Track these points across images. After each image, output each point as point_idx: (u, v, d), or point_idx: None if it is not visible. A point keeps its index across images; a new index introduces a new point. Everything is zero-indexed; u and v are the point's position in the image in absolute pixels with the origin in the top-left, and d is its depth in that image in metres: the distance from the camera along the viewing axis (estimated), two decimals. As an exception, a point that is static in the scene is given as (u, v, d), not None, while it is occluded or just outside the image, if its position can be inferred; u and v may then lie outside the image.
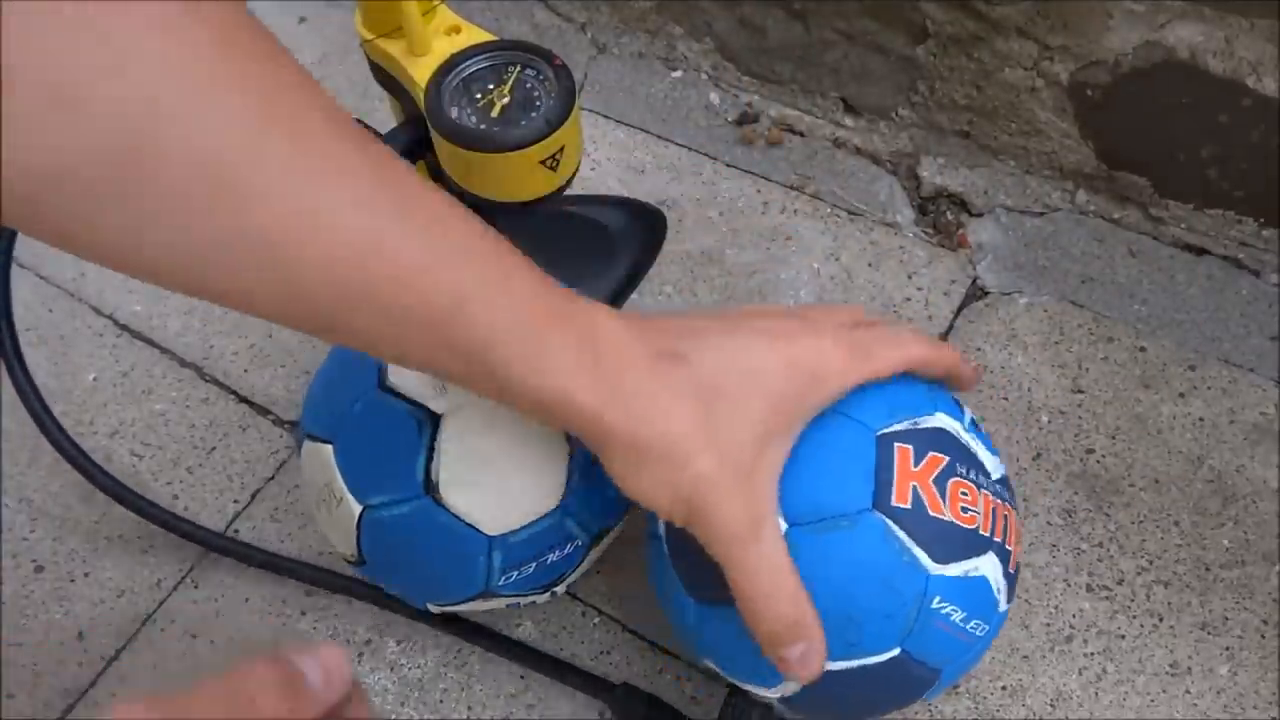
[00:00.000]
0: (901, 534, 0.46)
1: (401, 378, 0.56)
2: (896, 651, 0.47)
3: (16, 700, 0.69)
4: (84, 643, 0.71)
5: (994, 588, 0.49)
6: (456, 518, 0.54)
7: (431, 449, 0.54)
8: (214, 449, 0.80)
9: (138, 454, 0.79)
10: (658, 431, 0.41)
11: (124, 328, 0.87)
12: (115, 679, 0.70)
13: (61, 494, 0.78)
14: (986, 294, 0.85)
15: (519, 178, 0.60)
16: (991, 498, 0.50)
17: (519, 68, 0.62)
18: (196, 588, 0.73)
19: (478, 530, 0.54)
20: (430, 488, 0.54)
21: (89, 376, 0.84)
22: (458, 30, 0.64)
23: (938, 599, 0.47)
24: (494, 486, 0.55)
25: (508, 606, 0.61)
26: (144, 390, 0.83)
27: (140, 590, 0.73)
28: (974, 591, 0.48)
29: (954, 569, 0.47)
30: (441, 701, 0.67)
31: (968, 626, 0.48)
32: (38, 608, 0.73)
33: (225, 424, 0.81)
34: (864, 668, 0.47)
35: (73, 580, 0.74)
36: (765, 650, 0.44)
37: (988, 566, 0.48)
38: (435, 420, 0.55)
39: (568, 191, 0.64)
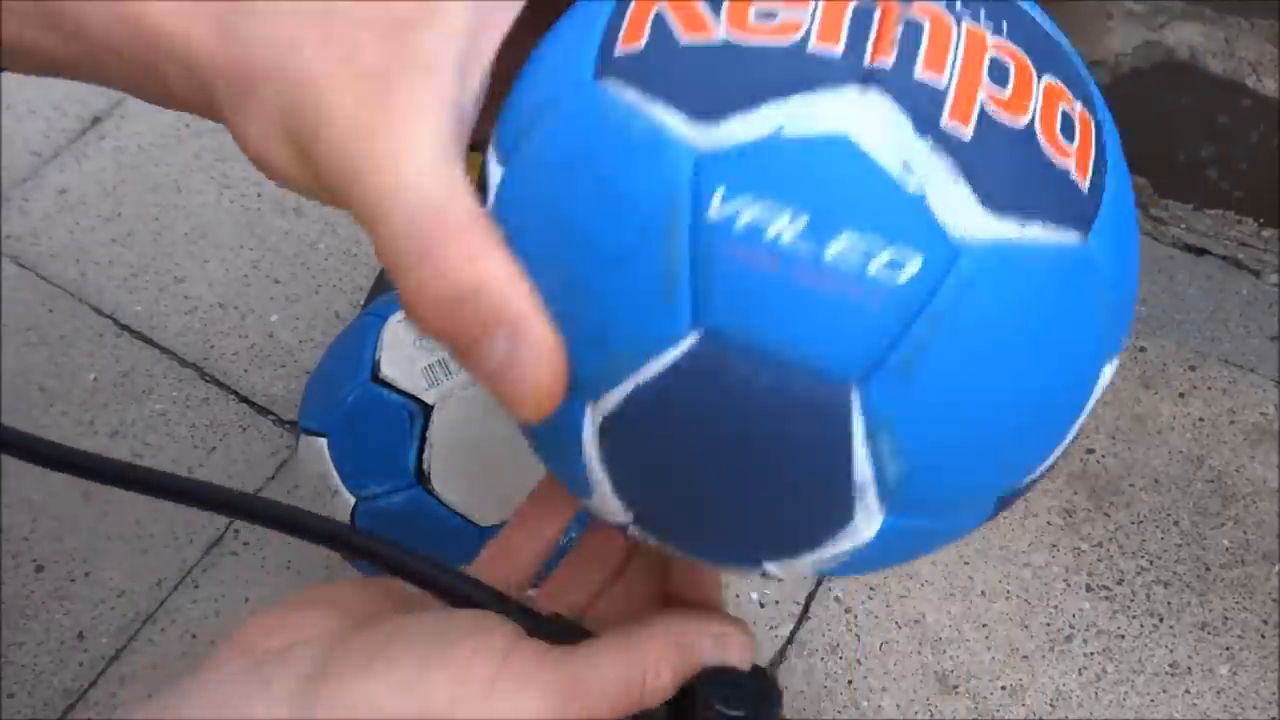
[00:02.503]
0: (632, 95, 0.23)
1: (394, 369, 0.57)
2: (694, 337, 0.22)
3: (16, 700, 0.69)
4: (84, 643, 0.71)
5: (874, 155, 0.22)
6: (448, 509, 0.55)
7: (423, 439, 0.55)
8: (214, 449, 0.80)
9: (138, 454, 0.79)
10: (258, 39, 0.27)
11: (124, 328, 0.87)
12: (115, 679, 0.70)
13: (61, 494, 0.78)
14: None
15: (519, 178, 0.61)
16: None
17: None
18: (196, 588, 0.73)
19: (469, 521, 0.55)
20: (422, 478, 0.55)
21: (89, 376, 0.84)
22: (457, 30, 0.64)
23: (719, 194, 0.22)
24: (485, 477, 0.55)
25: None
26: (144, 390, 0.83)
27: (140, 590, 0.73)
28: (806, 166, 0.22)
29: (737, 128, 0.22)
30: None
31: (824, 254, 0.22)
32: (38, 608, 0.73)
33: (225, 424, 0.81)
34: (659, 380, 0.23)
35: (73, 580, 0.74)
36: (464, 366, 0.25)
37: (840, 112, 0.22)
38: (427, 411, 0.55)
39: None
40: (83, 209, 0.94)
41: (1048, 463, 0.27)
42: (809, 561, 0.26)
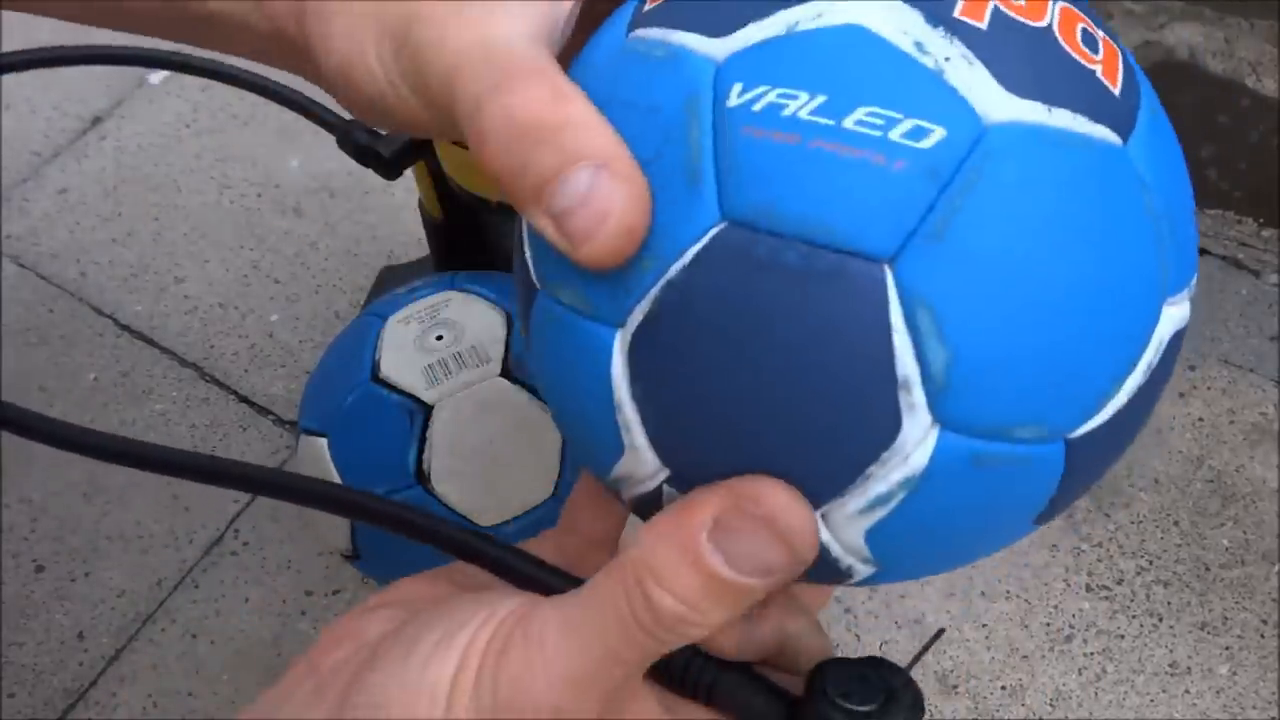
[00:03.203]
0: (656, 32, 0.25)
1: (394, 369, 0.57)
2: (720, 226, 0.22)
3: (16, 700, 0.69)
4: (84, 643, 0.71)
5: (888, 38, 0.22)
6: (448, 509, 0.55)
7: (423, 440, 0.55)
8: (214, 449, 0.80)
9: (138, 454, 0.79)
10: None
11: (124, 328, 0.87)
12: (115, 679, 0.70)
13: (62, 494, 0.78)
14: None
15: (519, 177, 0.60)
16: None
17: (519, 67, 0.62)
18: (197, 588, 0.73)
19: (470, 522, 0.55)
20: (422, 478, 0.55)
21: (89, 376, 0.84)
22: (458, 30, 0.64)
23: (736, 88, 0.22)
24: (485, 477, 0.55)
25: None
26: (144, 390, 0.83)
27: (140, 590, 0.73)
28: (819, 53, 0.22)
29: (753, 31, 0.23)
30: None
31: (843, 123, 0.21)
32: (38, 608, 0.73)
33: (225, 424, 0.81)
34: (687, 275, 0.23)
35: (73, 580, 0.74)
36: (525, 206, 0.23)
37: (851, 9, 0.23)
38: (427, 411, 0.55)
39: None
40: (83, 209, 0.94)
41: (1105, 412, 0.24)
42: (858, 508, 0.23)
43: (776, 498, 0.23)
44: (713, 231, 0.22)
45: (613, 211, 0.22)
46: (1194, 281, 0.26)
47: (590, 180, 0.22)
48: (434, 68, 0.24)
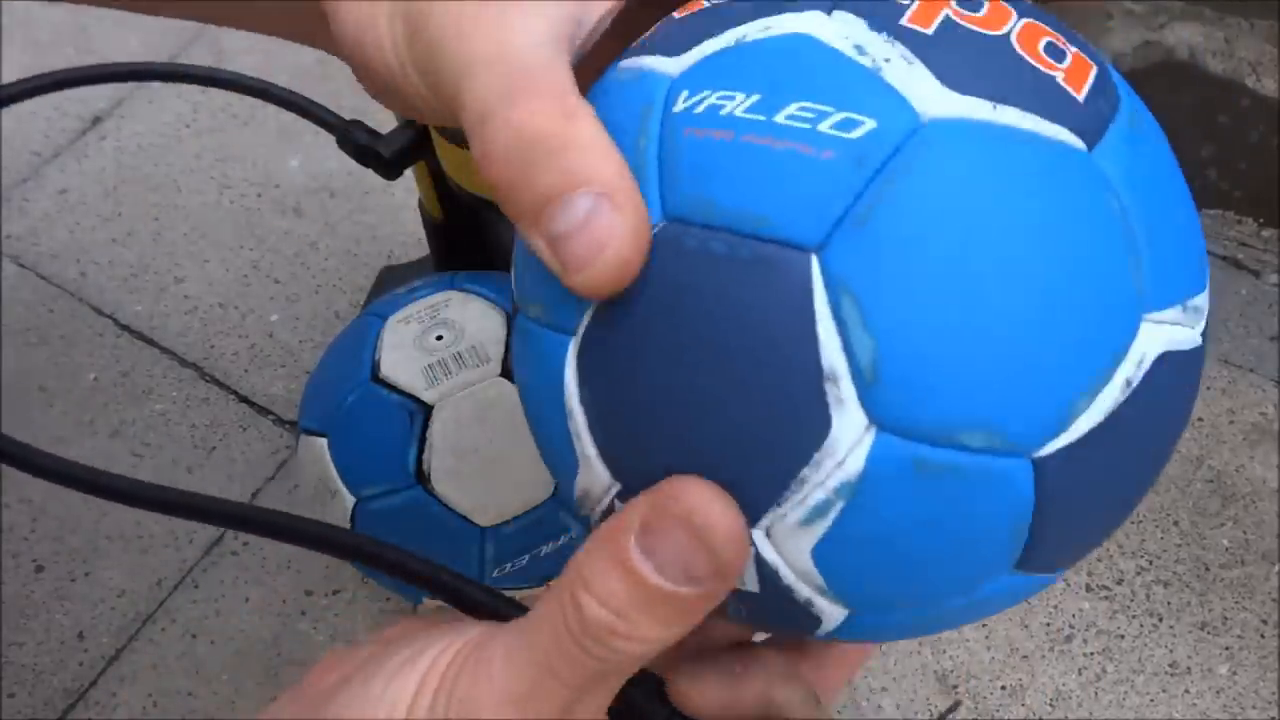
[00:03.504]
0: (629, 61, 0.26)
1: (394, 369, 0.57)
2: (660, 225, 0.23)
3: (16, 700, 0.69)
4: (84, 643, 0.71)
5: (828, 42, 0.23)
6: (448, 509, 0.55)
7: (423, 440, 0.55)
8: (214, 449, 0.80)
9: (138, 454, 0.80)
10: None
11: (124, 328, 0.87)
12: (115, 679, 0.70)
13: (61, 494, 0.78)
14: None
15: (518, 177, 0.60)
16: None
17: (519, 68, 0.62)
18: (196, 588, 0.73)
19: (469, 521, 0.55)
20: (422, 478, 0.55)
21: (89, 376, 0.84)
22: (457, 30, 0.64)
23: (683, 95, 0.23)
24: (485, 477, 0.55)
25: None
26: (144, 390, 0.83)
27: (140, 590, 0.73)
28: (760, 58, 0.23)
29: (706, 47, 0.24)
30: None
31: (775, 118, 0.22)
32: (38, 608, 0.73)
33: (225, 424, 0.81)
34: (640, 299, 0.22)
35: (73, 580, 0.74)
36: (522, 224, 0.23)
37: (798, 21, 0.23)
38: (426, 411, 0.55)
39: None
40: (83, 209, 0.94)
41: (1075, 429, 0.22)
42: (798, 518, 0.22)
43: (696, 494, 0.22)
44: (654, 230, 0.23)
45: (610, 243, 0.21)
46: (1194, 303, 0.24)
47: (590, 207, 0.21)
48: (448, 64, 0.24)
